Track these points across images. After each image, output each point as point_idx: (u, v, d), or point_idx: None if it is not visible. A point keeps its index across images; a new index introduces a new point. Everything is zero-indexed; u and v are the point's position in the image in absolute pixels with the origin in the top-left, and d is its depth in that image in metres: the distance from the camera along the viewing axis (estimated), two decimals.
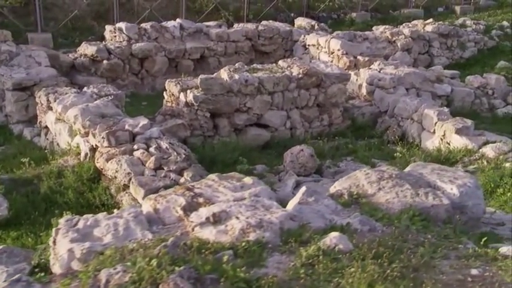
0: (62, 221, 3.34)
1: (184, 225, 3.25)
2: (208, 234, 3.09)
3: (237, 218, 3.19)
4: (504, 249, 3.20)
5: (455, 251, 3.17)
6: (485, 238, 3.44)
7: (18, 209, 7.15)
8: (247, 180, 4.01)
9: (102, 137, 7.90)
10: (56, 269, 3.01)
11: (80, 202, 7.42)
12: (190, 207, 3.49)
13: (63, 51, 13.99)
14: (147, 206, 3.63)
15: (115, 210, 3.95)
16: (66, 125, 8.77)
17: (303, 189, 3.79)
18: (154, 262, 2.65)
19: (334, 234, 3.07)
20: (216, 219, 3.20)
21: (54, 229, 3.26)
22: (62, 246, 3.07)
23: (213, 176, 4.14)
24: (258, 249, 2.97)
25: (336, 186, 4.13)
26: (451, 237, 3.45)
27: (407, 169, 4.36)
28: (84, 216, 3.49)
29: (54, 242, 3.12)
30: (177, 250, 2.79)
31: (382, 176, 4.05)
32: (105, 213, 3.53)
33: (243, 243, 2.97)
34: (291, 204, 3.65)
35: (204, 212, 3.26)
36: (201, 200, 3.57)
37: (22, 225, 6.90)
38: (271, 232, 3.10)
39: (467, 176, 4.28)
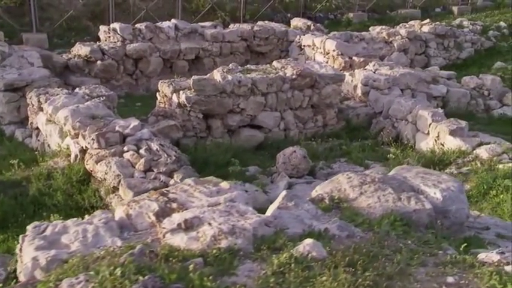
0: (29, 227, 3.26)
1: (156, 231, 3.17)
2: (179, 241, 3.01)
3: (210, 224, 3.11)
4: (482, 255, 3.12)
5: (434, 258, 3.09)
6: (464, 244, 3.36)
7: (6, 212, 7.06)
8: (224, 184, 3.93)
9: (92, 139, 7.82)
10: (21, 277, 2.93)
11: (69, 204, 7.33)
12: (163, 213, 3.40)
13: (58, 51, 13.92)
14: (120, 212, 3.55)
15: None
16: (57, 126, 8.69)
17: (283, 193, 3.71)
18: (118, 271, 2.57)
19: (308, 241, 2.99)
20: (188, 226, 3.12)
21: (21, 236, 3.18)
22: (27, 254, 2.99)
23: (189, 180, 4.06)
24: (229, 257, 2.88)
25: (318, 191, 4.04)
26: (431, 243, 3.37)
27: (391, 172, 4.28)
28: (54, 222, 3.41)
29: (21, 250, 3.04)
30: (144, 258, 2.71)
31: (365, 180, 3.96)
32: (75, 219, 3.45)
33: (214, 251, 2.88)
34: (271, 209, 3.57)
35: (176, 218, 3.17)
36: (174, 205, 3.49)
37: (9, 228, 6.81)
38: (244, 239, 3.02)
39: (452, 179, 4.20)
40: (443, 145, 9.63)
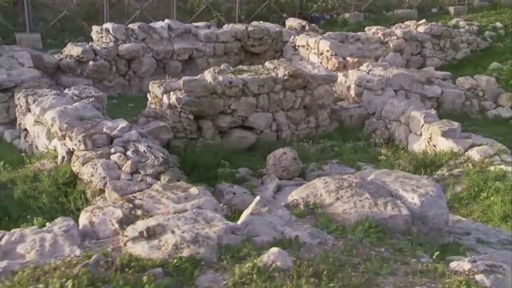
0: None
1: (118, 240, 3.07)
2: (140, 250, 2.90)
3: (173, 232, 3.00)
4: (454, 264, 3.02)
5: (405, 266, 2.99)
6: (437, 252, 3.25)
7: None
8: (193, 190, 3.82)
9: (79, 140, 7.72)
10: None
11: (55, 207, 7.22)
12: (127, 220, 3.30)
13: (52, 52, 13.82)
14: (83, 219, 3.45)
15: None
16: (44, 127, 8.60)
17: (257, 198, 3.61)
18: (69, 283, 2.47)
19: (273, 250, 2.89)
20: (150, 234, 3.02)
21: None
22: None
23: (157, 186, 3.96)
24: (190, 267, 2.78)
25: (293, 196, 3.94)
26: (405, 250, 3.27)
27: (371, 177, 4.18)
28: (12, 230, 3.31)
29: None
30: (99, 269, 2.61)
31: (342, 184, 3.86)
32: (34, 227, 3.35)
33: (175, 260, 2.78)
34: (244, 215, 3.47)
35: (140, 226, 3.07)
36: (139, 212, 3.38)
37: None
38: (207, 248, 2.91)
39: (431, 184, 4.10)
40: (435, 146, 9.54)
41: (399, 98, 11.38)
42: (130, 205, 3.44)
